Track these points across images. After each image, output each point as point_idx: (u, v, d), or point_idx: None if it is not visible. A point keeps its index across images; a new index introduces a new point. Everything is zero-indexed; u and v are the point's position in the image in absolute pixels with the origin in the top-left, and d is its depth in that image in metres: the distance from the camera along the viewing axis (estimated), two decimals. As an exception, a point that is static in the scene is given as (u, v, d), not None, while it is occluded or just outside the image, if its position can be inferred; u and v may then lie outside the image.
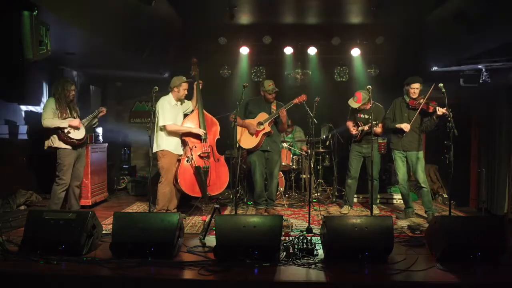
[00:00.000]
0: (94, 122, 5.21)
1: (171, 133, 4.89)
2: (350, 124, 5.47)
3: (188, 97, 5.22)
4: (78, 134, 4.82)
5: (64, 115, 4.76)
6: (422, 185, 4.98)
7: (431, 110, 4.80)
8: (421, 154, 4.99)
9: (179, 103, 5.00)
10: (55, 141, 4.73)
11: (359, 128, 5.27)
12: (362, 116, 5.36)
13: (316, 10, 5.96)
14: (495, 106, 5.52)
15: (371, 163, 4.82)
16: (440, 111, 4.64)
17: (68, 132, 4.73)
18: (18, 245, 3.62)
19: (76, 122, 4.79)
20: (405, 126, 4.92)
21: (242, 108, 5.22)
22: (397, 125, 4.99)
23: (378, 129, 5.23)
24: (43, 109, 4.74)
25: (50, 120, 4.66)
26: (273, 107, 5.23)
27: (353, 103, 5.28)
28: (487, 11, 4.48)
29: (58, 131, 4.70)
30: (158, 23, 5.64)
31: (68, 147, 4.76)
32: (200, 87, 5.18)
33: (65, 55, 5.43)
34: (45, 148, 4.81)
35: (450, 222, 3.61)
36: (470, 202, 5.97)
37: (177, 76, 4.98)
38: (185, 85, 4.92)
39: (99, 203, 6.01)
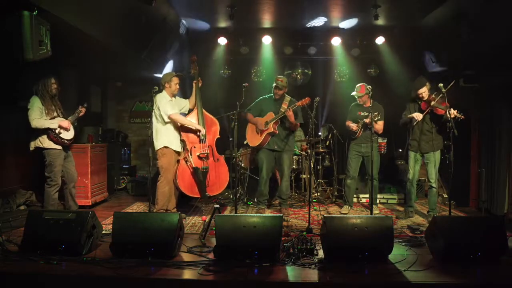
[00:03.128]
0: (74, 123, 5.11)
1: (172, 128, 4.88)
2: (349, 123, 5.46)
3: (186, 95, 5.21)
4: (68, 135, 4.81)
5: (52, 114, 4.73)
6: (433, 185, 4.98)
7: (440, 113, 4.70)
8: (436, 154, 4.93)
9: (173, 99, 5.01)
10: (44, 142, 4.70)
11: (360, 123, 5.26)
12: (362, 113, 5.36)
13: (316, 10, 5.96)
14: (495, 106, 5.52)
15: (371, 163, 4.82)
16: (453, 113, 4.51)
17: (59, 133, 4.71)
18: (18, 245, 3.62)
19: (66, 123, 4.76)
20: (417, 115, 4.86)
21: (256, 105, 5.35)
22: (409, 115, 4.96)
23: (378, 126, 5.23)
24: (29, 109, 4.65)
25: (40, 121, 4.62)
26: (284, 105, 5.19)
27: (356, 93, 5.32)
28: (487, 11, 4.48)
29: (48, 132, 4.67)
30: (158, 23, 5.64)
31: (58, 147, 4.75)
32: (200, 85, 5.17)
33: (65, 54, 5.43)
34: (31, 149, 4.76)
35: (450, 222, 3.61)
36: (470, 202, 5.96)
37: (167, 72, 4.99)
38: (175, 80, 4.93)
39: (99, 203, 6.01)
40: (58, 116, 4.82)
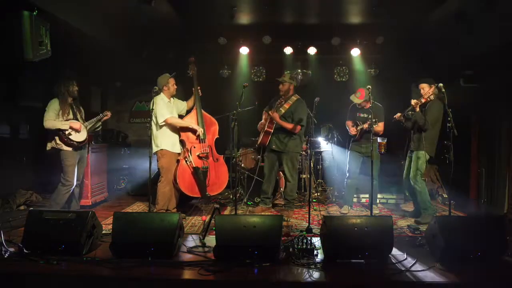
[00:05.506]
0: (98, 125, 5.19)
1: (170, 131, 4.89)
2: (349, 123, 5.47)
3: (186, 96, 5.22)
4: (79, 137, 4.80)
5: (67, 116, 4.75)
6: (411, 183, 5.00)
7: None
8: (417, 153, 4.91)
9: (172, 100, 5.03)
10: (57, 143, 4.73)
11: (358, 127, 5.28)
12: (362, 115, 5.36)
13: (316, 10, 5.96)
14: (495, 106, 5.52)
15: (371, 163, 4.81)
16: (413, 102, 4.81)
17: (69, 134, 4.72)
18: (18, 245, 3.61)
19: (77, 124, 4.76)
20: (397, 115, 5.05)
21: (270, 103, 5.45)
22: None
23: (378, 128, 5.23)
24: (46, 110, 4.69)
25: (52, 122, 4.64)
26: (286, 105, 5.22)
27: (355, 99, 5.31)
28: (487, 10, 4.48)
29: (60, 133, 4.68)
30: (158, 23, 5.64)
31: (69, 148, 4.75)
32: (199, 87, 5.18)
33: (65, 54, 5.44)
34: (48, 149, 4.78)
35: (450, 222, 3.60)
36: (470, 202, 5.97)
37: (161, 75, 4.97)
38: (172, 81, 4.96)
39: (99, 203, 6.00)
40: (76, 119, 4.84)
